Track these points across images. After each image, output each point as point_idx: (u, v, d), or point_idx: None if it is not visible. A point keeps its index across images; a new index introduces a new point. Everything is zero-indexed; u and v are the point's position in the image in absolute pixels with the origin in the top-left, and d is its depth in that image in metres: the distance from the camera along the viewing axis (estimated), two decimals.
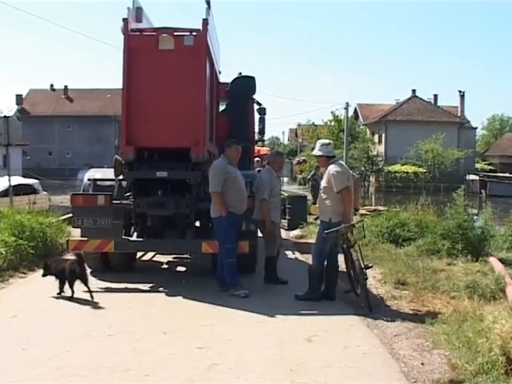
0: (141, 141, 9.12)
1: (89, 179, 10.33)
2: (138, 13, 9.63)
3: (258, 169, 13.79)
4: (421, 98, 63.58)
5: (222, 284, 8.99)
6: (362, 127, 66.35)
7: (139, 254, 11.51)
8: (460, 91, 62.94)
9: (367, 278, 8.44)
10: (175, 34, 9.24)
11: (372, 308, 7.97)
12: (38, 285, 9.57)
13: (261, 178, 9.79)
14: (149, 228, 9.78)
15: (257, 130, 14.00)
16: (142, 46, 9.21)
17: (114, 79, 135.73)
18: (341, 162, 8.71)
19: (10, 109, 67.27)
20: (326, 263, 8.70)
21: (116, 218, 9.52)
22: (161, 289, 9.29)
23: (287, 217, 17.89)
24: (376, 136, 62.21)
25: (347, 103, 50.03)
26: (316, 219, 9.69)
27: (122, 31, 9.05)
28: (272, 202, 9.60)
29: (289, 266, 10.98)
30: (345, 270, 8.84)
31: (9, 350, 6.26)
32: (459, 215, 12.46)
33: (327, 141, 9.06)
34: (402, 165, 54.66)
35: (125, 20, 9.00)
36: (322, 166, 9.02)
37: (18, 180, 22.23)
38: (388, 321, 7.55)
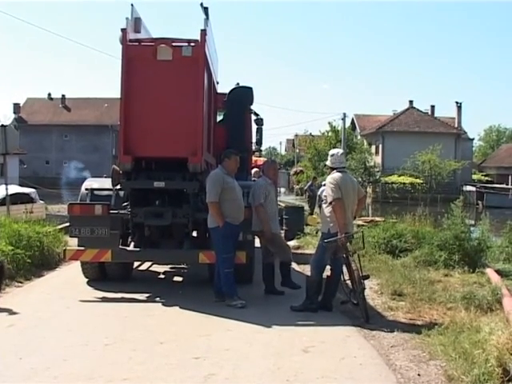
0: (138, 150, 9.14)
1: (86, 189, 10.34)
2: (137, 23, 9.68)
3: (253, 179, 13.81)
4: (418, 109, 63.77)
5: (219, 294, 8.98)
6: (359, 138, 66.48)
7: (136, 263, 11.49)
8: (457, 102, 63.15)
9: (365, 288, 8.45)
10: (173, 44, 9.29)
11: (369, 319, 7.98)
12: (35, 294, 9.61)
13: (254, 184, 9.85)
14: (146, 238, 9.79)
15: (254, 140, 14.03)
16: (140, 56, 9.24)
17: (111, 89, 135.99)
18: (341, 173, 8.47)
19: (7, 117, 67.29)
20: (330, 273, 8.72)
21: (113, 228, 9.52)
22: (157, 299, 9.29)
23: (284, 227, 17.89)
24: (373, 147, 62.29)
25: (344, 114, 50.33)
26: (317, 232, 9.67)
27: (121, 41, 9.09)
28: (267, 212, 9.60)
29: None
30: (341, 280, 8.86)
31: (5, 359, 6.25)
32: (456, 226, 12.48)
33: (334, 151, 8.88)
34: (399, 176, 54.71)
35: (123, 30, 9.05)
36: None
37: (15, 189, 22.20)
38: (385, 332, 7.54)
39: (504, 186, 58.30)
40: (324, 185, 8.96)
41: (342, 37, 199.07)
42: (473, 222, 23.23)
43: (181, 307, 8.65)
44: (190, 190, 9.33)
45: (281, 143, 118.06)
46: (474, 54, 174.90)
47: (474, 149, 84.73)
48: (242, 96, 12.34)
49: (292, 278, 9.89)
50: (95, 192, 10.22)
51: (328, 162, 8.74)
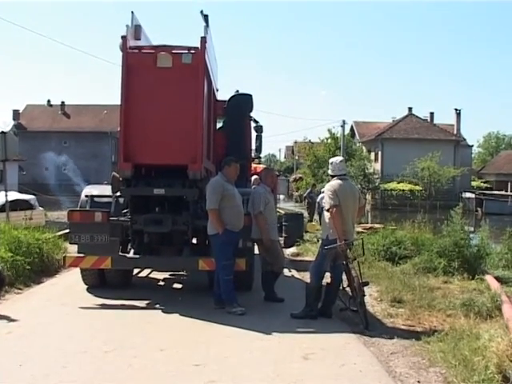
0: (138, 157, 9.15)
1: (86, 195, 10.35)
2: (137, 30, 9.69)
3: (253, 186, 13.84)
4: (417, 116, 63.81)
5: (219, 301, 8.97)
6: (358, 145, 66.48)
7: (136, 270, 11.48)
8: (456, 109, 63.26)
9: (365, 295, 8.45)
10: (173, 51, 9.30)
11: (368, 325, 7.97)
12: (35, 301, 9.60)
13: (254, 192, 9.84)
14: (146, 245, 9.78)
15: (254, 147, 14.04)
16: (140, 63, 9.25)
17: (110, 95, 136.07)
18: (341, 180, 8.47)
19: (6, 124, 67.21)
20: (329, 280, 8.71)
21: (113, 235, 9.53)
22: (157, 306, 9.28)
23: (283, 234, 17.89)
24: (372, 154, 62.31)
25: (344, 121, 50.33)
26: (318, 240, 9.64)
27: (121, 48, 9.10)
28: (267, 220, 9.60)
29: (285, 283, 10.96)
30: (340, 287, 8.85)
31: (5, 366, 6.25)
32: (455, 233, 12.48)
33: (332, 159, 8.89)
34: (399, 182, 54.73)
35: (123, 37, 9.06)
36: None
37: (14, 195, 22.23)
38: (384, 338, 7.54)
39: (503, 192, 58.32)
40: (323, 192, 8.97)
41: (340, 44, 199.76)
42: (472, 229, 23.25)
43: (180, 314, 8.64)
44: (190, 197, 9.34)
45: (280, 150, 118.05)
46: (472, 61, 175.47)
47: (473, 155, 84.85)
48: (242, 103, 12.38)
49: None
50: (95, 199, 10.23)
51: (329, 171, 8.77)
